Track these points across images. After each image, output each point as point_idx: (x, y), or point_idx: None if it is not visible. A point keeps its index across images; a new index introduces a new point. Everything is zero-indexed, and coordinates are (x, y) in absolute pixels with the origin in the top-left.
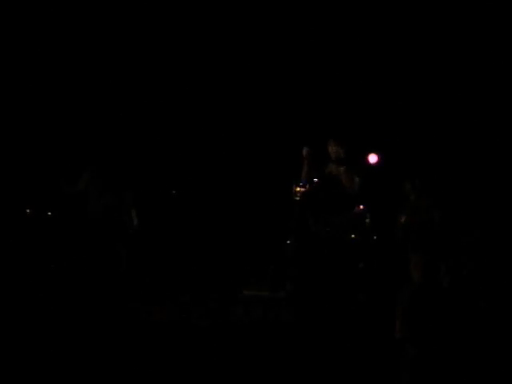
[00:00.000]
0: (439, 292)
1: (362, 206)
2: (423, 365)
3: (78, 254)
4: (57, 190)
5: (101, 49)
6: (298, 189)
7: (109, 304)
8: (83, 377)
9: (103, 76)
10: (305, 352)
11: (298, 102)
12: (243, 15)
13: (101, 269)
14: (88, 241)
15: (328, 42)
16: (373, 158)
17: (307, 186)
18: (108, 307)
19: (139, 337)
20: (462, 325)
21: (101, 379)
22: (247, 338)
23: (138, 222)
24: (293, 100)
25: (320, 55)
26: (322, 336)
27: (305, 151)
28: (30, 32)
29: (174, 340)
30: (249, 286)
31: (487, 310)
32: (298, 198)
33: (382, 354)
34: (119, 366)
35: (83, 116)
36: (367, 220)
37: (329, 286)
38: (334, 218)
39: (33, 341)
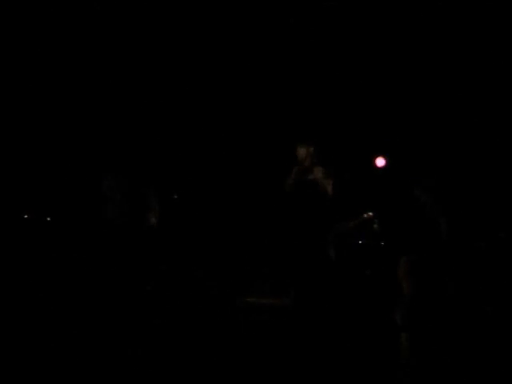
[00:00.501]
0: (437, 301)
1: (370, 213)
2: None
3: (88, 258)
4: (76, 194)
5: (113, 57)
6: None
7: (110, 309)
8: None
9: (108, 80)
10: (308, 359)
11: (301, 107)
12: (242, 15)
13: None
14: (106, 246)
15: (329, 43)
16: (380, 162)
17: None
18: (110, 312)
19: (140, 343)
20: (467, 332)
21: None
22: (250, 347)
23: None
24: (295, 105)
25: (321, 56)
26: (327, 343)
27: (309, 149)
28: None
29: (176, 348)
30: (252, 294)
31: (493, 315)
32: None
33: (385, 361)
34: (122, 371)
35: (90, 117)
36: (375, 225)
37: (334, 293)
38: (339, 224)
39: (34, 348)
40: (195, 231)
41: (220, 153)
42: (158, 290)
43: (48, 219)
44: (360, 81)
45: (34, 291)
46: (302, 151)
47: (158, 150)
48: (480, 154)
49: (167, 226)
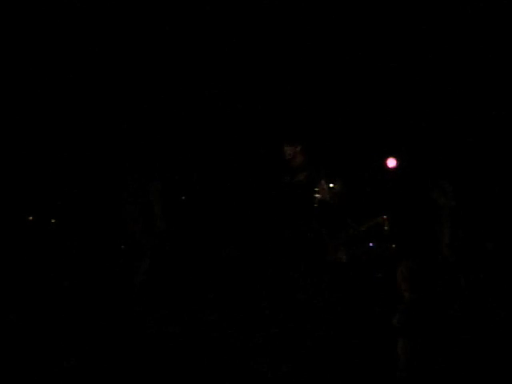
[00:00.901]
0: (436, 307)
1: (385, 217)
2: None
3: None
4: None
5: (124, 63)
6: (317, 195)
7: (122, 313)
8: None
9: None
10: (316, 364)
11: (310, 108)
12: (239, 16)
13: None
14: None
15: (341, 42)
16: (391, 163)
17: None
18: (121, 316)
19: (150, 348)
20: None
21: None
22: (262, 349)
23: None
24: (304, 106)
25: (331, 56)
26: (335, 347)
27: (297, 148)
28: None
29: (186, 351)
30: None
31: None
32: (315, 205)
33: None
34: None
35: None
36: (385, 228)
37: (345, 295)
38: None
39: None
40: (206, 232)
41: (225, 154)
42: (170, 292)
43: (53, 221)
44: (371, 80)
45: (37, 295)
46: (288, 150)
47: (165, 152)
48: (494, 154)
49: (176, 228)
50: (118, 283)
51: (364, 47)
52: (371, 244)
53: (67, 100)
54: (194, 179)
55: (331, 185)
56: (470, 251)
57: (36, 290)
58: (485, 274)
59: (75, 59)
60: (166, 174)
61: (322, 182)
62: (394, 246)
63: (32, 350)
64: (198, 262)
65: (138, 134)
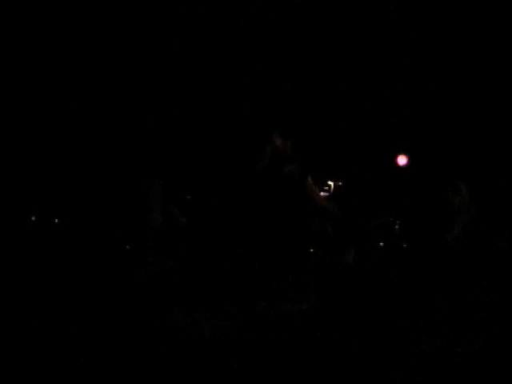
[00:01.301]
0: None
1: (393, 216)
2: None
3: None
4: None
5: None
6: (321, 193)
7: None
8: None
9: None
10: (325, 367)
11: (319, 107)
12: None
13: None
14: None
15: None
16: (402, 160)
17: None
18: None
19: (151, 347)
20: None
21: None
22: (265, 353)
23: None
24: (312, 104)
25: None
26: (345, 350)
27: (287, 142)
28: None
29: (187, 352)
30: (269, 298)
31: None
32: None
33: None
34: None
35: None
36: (396, 227)
37: (354, 296)
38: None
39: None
40: (211, 233)
41: (229, 155)
42: (171, 292)
43: (56, 221)
44: (385, 78)
45: (40, 294)
46: (278, 142)
47: (170, 152)
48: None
49: (180, 228)
50: (124, 281)
51: (373, 40)
52: (381, 244)
53: (69, 100)
54: (199, 179)
55: (340, 183)
56: (483, 250)
57: (39, 289)
58: (498, 273)
59: (80, 62)
60: (170, 173)
61: (309, 178)
62: (404, 245)
63: (32, 348)
64: (203, 258)
65: (141, 136)
